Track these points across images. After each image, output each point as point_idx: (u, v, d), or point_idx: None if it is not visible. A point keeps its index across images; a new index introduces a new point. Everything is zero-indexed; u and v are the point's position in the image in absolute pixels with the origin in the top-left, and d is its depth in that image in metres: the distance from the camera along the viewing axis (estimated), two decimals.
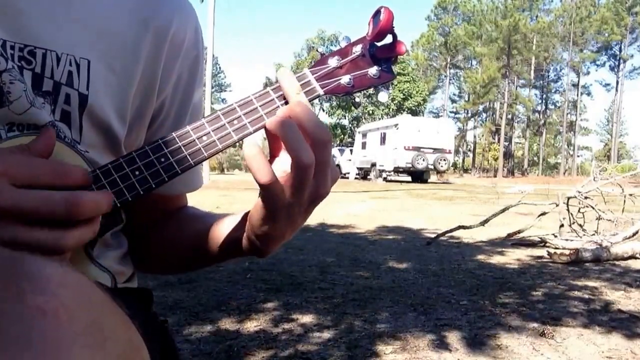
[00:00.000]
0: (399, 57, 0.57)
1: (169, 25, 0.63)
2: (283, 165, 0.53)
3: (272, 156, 0.55)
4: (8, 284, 0.29)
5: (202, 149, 0.53)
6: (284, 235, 0.55)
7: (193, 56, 0.67)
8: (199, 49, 0.68)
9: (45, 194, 0.43)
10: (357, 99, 0.59)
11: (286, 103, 0.54)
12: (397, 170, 21.20)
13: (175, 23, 0.63)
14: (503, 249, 4.74)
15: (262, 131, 0.54)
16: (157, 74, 0.63)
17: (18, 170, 0.43)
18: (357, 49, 0.56)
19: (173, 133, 0.52)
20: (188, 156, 0.52)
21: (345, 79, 0.56)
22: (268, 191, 0.50)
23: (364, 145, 23.80)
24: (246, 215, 0.58)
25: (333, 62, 0.56)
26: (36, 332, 0.27)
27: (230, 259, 0.63)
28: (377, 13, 0.54)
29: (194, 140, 0.52)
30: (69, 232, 0.44)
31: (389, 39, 0.55)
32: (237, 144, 0.55)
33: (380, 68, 0.57)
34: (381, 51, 0.57)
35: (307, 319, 2.51)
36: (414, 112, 41.97)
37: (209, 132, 0.53)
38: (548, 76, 52.09)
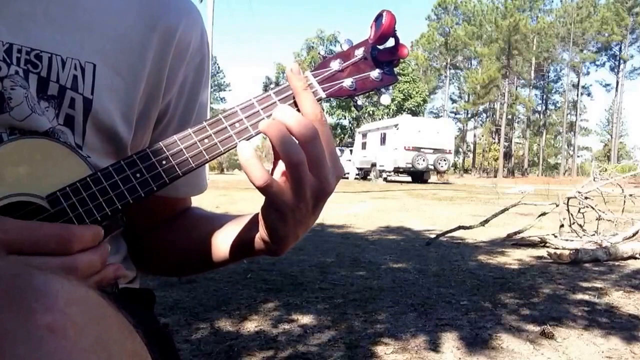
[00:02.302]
0: (401, 59, 0.57)
1: (176, 28, 0.63)
2: (282, 165, 0.53)
3: (275, 158, 0.55)
4: (16, 301, 0.29)
5: (203, 151, 0.52)
6: (297, 234, 0.55)
7: (199, 59, 0.68)
8: (205, 52, 0.69)
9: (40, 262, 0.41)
10: (359, 102, 0.59)
11: None
12: (397, 171, 21.18)
13: (182, 26, 0.64)
14: (503, 249, 4.74)
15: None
16: (163, 76, 0.63)
17: (18, 238, 0.41)
18: (359, 52, 0.56)
19: (175, 136, 0.52)
20: (190, 159, 0.52)
21: (347, 82, 0.56)
22: (267, 193, 0.50)
23: (364, 146, 23.77)
24: (256, 216, 0.58)
25: (335, 65, 0.56)
26: (45, 351, 0.27)
27: (240, 260, 0.64)
28: (379, 16, 0.54)
29: (196, 143, 0.52)
30: None
31: (391, 42, 0.55)
32: None
33: (382, 71, 0.57)
34: (383, 54, 0.56)
35: (307, 319, 2.51)
36: (414, 113, 41.92)
37: (211, 135, 0.53)
38: (548, 76, 52.09)
